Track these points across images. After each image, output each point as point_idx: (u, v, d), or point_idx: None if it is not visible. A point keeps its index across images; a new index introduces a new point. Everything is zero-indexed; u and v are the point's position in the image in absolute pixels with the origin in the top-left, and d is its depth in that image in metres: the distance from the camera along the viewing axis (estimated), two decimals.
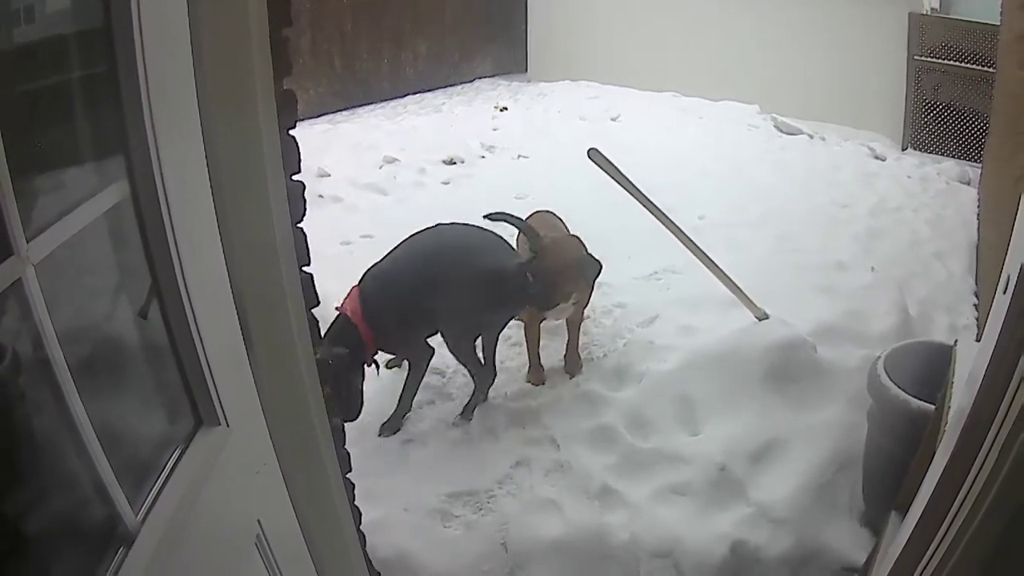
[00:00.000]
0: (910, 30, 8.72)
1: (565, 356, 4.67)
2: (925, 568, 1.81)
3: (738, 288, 4.47)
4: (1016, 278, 1.57)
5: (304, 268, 2.46)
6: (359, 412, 3.97)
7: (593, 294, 5.20)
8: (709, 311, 4.75)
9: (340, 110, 10.37)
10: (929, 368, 3.35)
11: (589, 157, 4.12)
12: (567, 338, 4.65)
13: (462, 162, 8.26)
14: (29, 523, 1.55)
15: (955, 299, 5.52)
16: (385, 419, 4.23)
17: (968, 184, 7.89)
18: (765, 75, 9.75)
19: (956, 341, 3.08)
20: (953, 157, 8.60)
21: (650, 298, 5.24)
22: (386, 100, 10.97)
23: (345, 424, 2.87)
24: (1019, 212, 1.86)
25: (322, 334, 2.75)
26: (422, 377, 4.34)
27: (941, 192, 7.67)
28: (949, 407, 2.51)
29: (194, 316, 1.95)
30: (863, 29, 9.14)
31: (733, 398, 4.08)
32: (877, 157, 8.63)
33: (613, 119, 9.67)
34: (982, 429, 1.60)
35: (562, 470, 3.90)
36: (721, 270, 4.42)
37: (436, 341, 4.33)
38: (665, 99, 10.31)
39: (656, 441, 4.00)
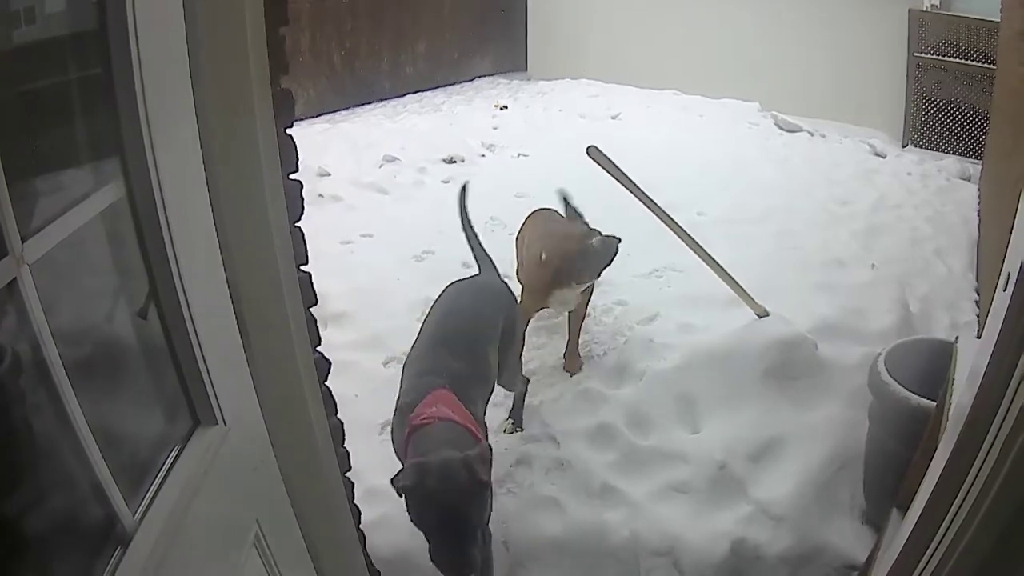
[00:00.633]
0: (910, 27, 8.72)
1: (565, 354, 4.66)
2: (926, 566, 1.80)
3: (738, 286, 4.46)
4: (1016, 275, 1.56)
5: (302, 267, 2.45)
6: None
7: (594, 292, 5.21)
8: (709, 309, 4.75)
9: (340, 109, 10.36)
10: (930, 365, 3.35)
11: (589, 155, 4.11)
12: (567, 336, 4.65)
13: (462, 161, 8.25)
14: (26, 523, 1.54)
15: (956, 296, 5.52)
16: (384, 419, 4.22)
17: (968, 181, 7.89)
18: (765, 72, 9.75)
19: (957, 338, 3.07)
20: (953, 154, 8.60)
21: (650, 296, 5.24)
22: (386, 99, 10.96)
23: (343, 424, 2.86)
24: (1019, 209, 1.85)
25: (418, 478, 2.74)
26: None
27: (941, 189, 7.66)
28: (950, 404, 2.51)
29: (191, 315, 1.94)
30: (863, 26, 9.14)
31: (733, 396, 4.08)
32: (877, 154, 8.62)
33: (613, 117, 9.67)
34: (983, 426, 1.60)
35: (562, 468, 3.89)
36: (721, 268, 4.42)
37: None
38: (665, 97, 10.31)
39: (656, 439, 4.00)
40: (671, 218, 4.30)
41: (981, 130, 8.17)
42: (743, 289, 4.47)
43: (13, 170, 1.38)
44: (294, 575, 2.55)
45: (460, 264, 5.58)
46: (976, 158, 8.05)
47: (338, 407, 2.79)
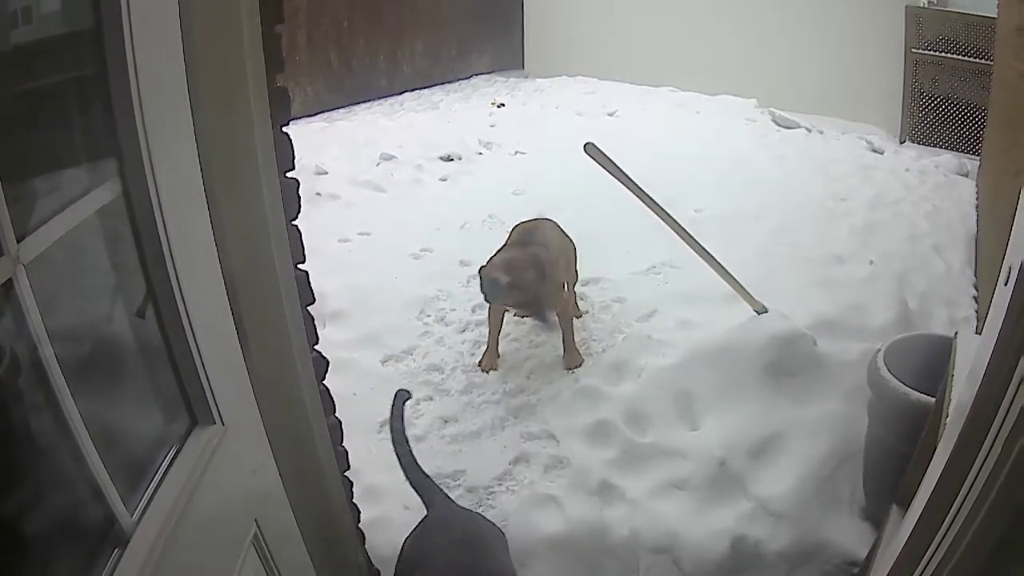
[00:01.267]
0: (907, 23, 8.72)
1: (564, 353, 4.66)
2: (929, 562, 1.80)
3: (736, 282, 4.46)
4: (1017, 270, 1.56)
5: (300, 265, 2.45)
6: None
7: (591, 289, 5.22)
8: (708, 305, 4.75)
9: (337, 107, 10.34)
10: (929, 361, 3.35)
11: (586, 152, 4.11)
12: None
13: (460, 159, 8.24)
14: (25, 524, 1.54)
15: (954, 292, 5.52)
16: (383, 419, 4.22)
17: (966, 176, 7.89)
18: (762, 69, 9.75)
19: (956, 334, 3.07)
20: (951, 150, 8.59)
21: (648, 293, 5.23)
22: (383, 97, 10.94)
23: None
24: (1020, 203, 1.85)
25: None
26: None
27: (939, 185, 7.66)
28: (950, 400, 2.50)
29: (188, 314, 1.94)
30: (860, 22, 9.14)
31: (732, 392, 4.08)
32: (875, 150, 8.62)
33: (610, 114, 9.66)
34: (984, 422, 1.59)
35: (561, 466, 3.89)
36: (719, 264, 4.42)
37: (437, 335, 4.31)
38: (662, 94, 10.30)
39: (655, 436, 4.00)
40: (669, 215, 4.30)
41: (979, 126, 8.17)
42: (741, 285, 4.47)
43: (8, 169, 1.38)
44: (293, 574, 2.55)
45: (458, 262, 5.61)
46: (974, 154, 8.05)
47: (336, 406, 2.78)
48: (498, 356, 4.69)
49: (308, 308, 2.53)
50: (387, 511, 3.57)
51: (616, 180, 4.19)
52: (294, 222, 2.39)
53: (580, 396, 4.30)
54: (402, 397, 3.31)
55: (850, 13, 9.18)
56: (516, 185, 7.28)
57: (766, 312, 4.46)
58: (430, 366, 4.62)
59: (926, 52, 8.66)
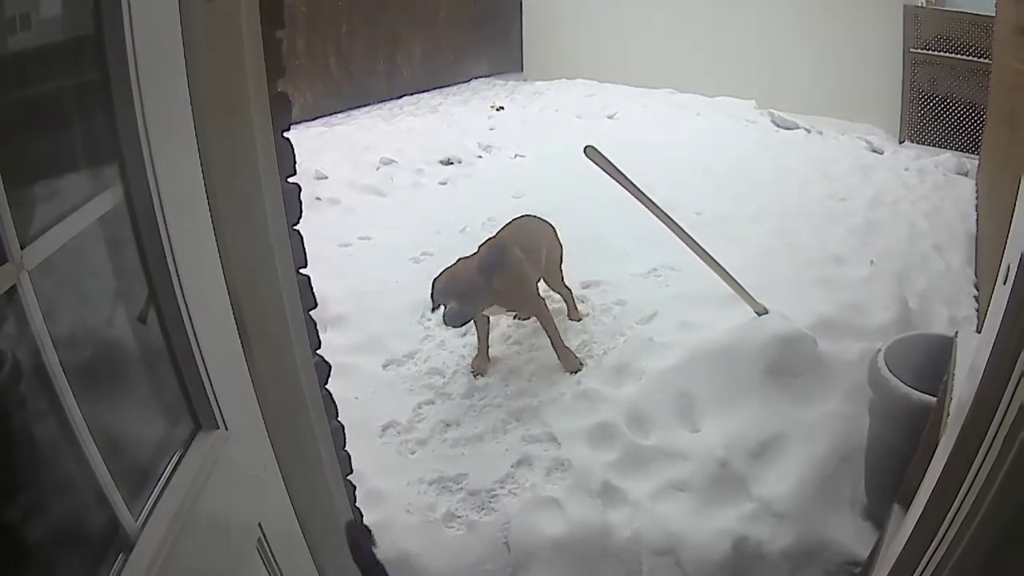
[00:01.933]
0: (905, 23, 8.73)
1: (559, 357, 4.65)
2: (930, 561, 1.80)
3: (737, 283, 4.46)
4: (1016, 268, 1.56)
5: (301, 270, 2.46)
6: None
7: (592, 291, 5.22)
8: (708, 307, 4.75)
9: (336, 112, 10.36)
10: (929, 360, 3.35)
11: (586, 155, 4.12)
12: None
13: (459, 162, 8.26)
14: (29, 529, 1.54)
15: (954, 291, 5.52)
16: (385, 421, 4.23)
17: (966, 176, 7.90)
18: (762, 70, 9.77)
19: (956, 333, 3.07)
20: (950, 149, 8.60)
21: (649, 295, 5.24)
22: (382, 101, 10.96)
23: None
24: (1018, 201, 1.85)
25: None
26: None
27: (939, 184, 7.67)
28: (950, 399, 2.51)
29: (191, 320, 1.94)
30: (859, 23, 9.14)
31: (733, 393, 4.08)
32: (874, 150, 8.64)
33: (609, 117, 9.68)
34: (985, 421, 1.60)
35: (563, 468, 3.89)
36: (720, 265, 4.42)
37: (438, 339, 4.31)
38: (661, 96, 10.32)
39: (657, 438, 4.00)
40: (669, 217, 4.31)
41: (978, 125, 8.18)
42: (742, 287, 4.47)
43: (11, 176, 1.38)
44: None
45: None
46: (973, 153, 8.06)
47: (339, 410, 2.79)
48: (488, 360, 4.69)
49: (310, 313, 2.53)
50: (389, 514, 3.58)
51: (616, 182, 4.19)
52: (295, 227, 2.40)
53: (581, 399, 4.30)
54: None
55: (848, 13, 9.19)
56: (516, 188, 7.29)
57: (766, 313, 4.46)
58: (432, 370, 4.62)
59: (925, 52, 8.67)
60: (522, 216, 5.04)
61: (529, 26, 12.14)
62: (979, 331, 3.21)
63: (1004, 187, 4.53)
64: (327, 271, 4.99)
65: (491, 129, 9.29)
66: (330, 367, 2.70)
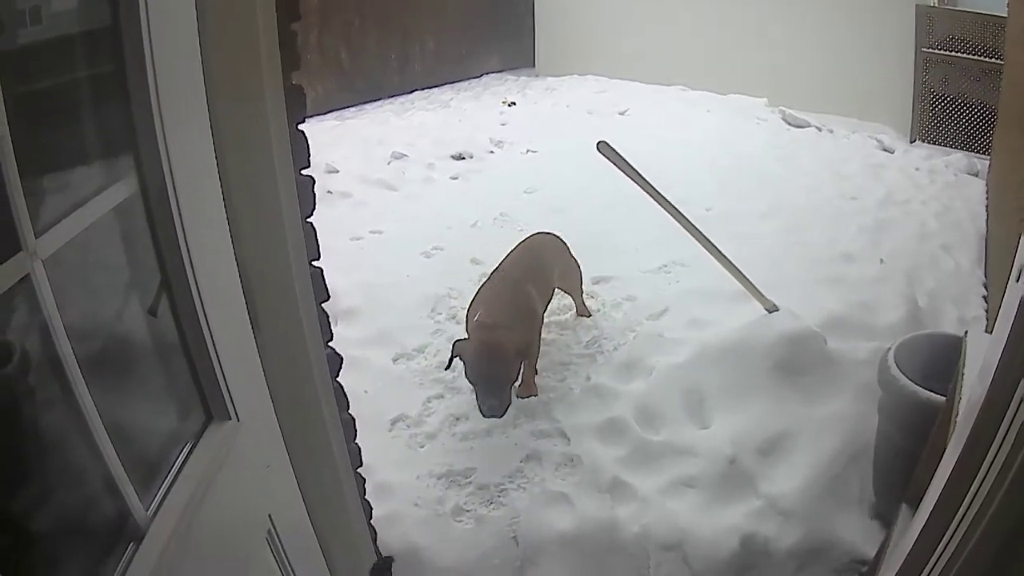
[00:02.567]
0: (917, 22, 8.69)
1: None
2: (938, 561, 1.80)
3: (747, 280, 4.46)
4: None
5: (314, 263, 2.46)
6: None
7: (603, 287, 5.23)
8: (718, 304, 4.75)
9: (348, 106, 10.36)
10: (939, 360, 3.34)
11: (598, 150, 4.11)
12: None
13: (471, 157, 8.26)
14: (40, 519, 1.55)
15: (964, 291, 5.50)
16: (394, 415, 4.23)
17: (976, 176, 7.86)
18: (773, 68, 9.73)
19: (966, 332, 3.06)
20: (961, 149, 8.56)
21: (659, 291, 5.24)
22: (394, 96, 10.96)
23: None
24: None
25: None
26: None
27: (949, 184, 7.64)
28: (960, 399, 2.50)
29: (204, 311, 1.95)
30: (871, 21, 9.11)
31: (743, 391, 4.08)
32: (885, 149, 8.61)
33: (621, 113, 9.66)
34: (995, 420, 1.59)
35: (572, 464, 3.89)
36: (730, 262, 4.42)
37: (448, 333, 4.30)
38: (673, 92, 10.30)
39: (666, 434, 4.00)
40: (681, 213, 4.31)
41: (989, 125, 8.13)
42: (752, 284, 4.47)
43: (26, 166, 1.38)
44: (306, 570, 2.56)
45: (469, 261, 5.62)
46: (984, 153, 8.03)
47: (349, 403, 2.80)
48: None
49: (323, 305, 2.54)
50: (398, 507, 3.59)
51: (628, 178, 4.19)
52: (309, 219, 2.40)
53: (591, 394, 4.31)
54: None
55: (860, 12, 9.15)
56: (527, 183, 7.30)
57: (776, 310, 4.46)
58: (441, 364, 4.63)
59: (936, 51, 8.64)
60: (534, 235, 5.00)
61: (541, 22, 12.13)
62: (988, 331, 3.20)
63: (1014, 188, 4.53)
64: (338, 265, 5.00)
65: (503, 124, 9.29)
66: (342, 360, 2.71)
